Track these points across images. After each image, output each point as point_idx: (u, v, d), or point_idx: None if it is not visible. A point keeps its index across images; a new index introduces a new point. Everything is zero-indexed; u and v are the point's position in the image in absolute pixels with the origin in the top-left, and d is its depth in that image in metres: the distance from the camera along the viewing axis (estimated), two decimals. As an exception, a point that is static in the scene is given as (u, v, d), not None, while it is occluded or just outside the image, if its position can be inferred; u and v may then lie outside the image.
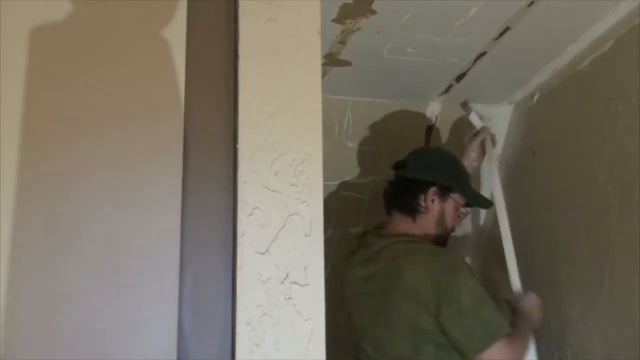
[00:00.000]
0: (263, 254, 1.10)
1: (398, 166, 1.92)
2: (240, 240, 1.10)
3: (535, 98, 2.22)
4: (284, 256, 1.11)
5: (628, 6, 1.72)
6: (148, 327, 1.08)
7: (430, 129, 2.40)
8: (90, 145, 1.12)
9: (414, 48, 1.92)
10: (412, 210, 1.84)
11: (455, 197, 1.88)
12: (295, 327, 1.08)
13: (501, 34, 1.85)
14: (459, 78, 2.15)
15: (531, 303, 1.87)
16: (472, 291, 1.67)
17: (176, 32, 1.19)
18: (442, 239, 1.88)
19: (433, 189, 1.84)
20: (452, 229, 1.93)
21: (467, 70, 2.09)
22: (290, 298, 1.10)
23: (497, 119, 2.41)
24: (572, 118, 2.02)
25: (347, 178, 2.40)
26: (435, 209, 1.85)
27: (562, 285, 2.00)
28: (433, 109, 2.36)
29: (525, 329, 1.79)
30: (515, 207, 2.30)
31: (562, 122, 2.07)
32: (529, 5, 1.70)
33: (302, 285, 1.11)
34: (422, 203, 1.84)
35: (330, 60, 1.98)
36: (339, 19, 1.75)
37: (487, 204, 2.06)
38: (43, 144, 1.10)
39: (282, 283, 1.10)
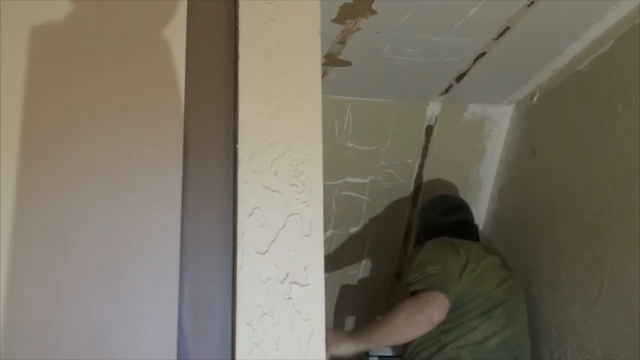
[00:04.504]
0: (263, 254, 1.10)
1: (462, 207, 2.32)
2: (240, 240, 1.10)
3: (535, 98, 2.22)
4: (284, 256, 1.11)
5: (628, 6, 1.72)
6: (148, 327, 1.08)
7: (430, 129, 2.40)
8: (90, 145, 1.12)
9: (414, 48, 1.92)
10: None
11: None
12: (295, 327, 1.08)
13: (501, 34, 1.85)
14: (459, 78, 2.15)
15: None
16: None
17: (176, 32, 1.19)
18: None
19: None
20: None
21: (467, 70, 2.09)
22: (290, 298, 1.10)
23: (497, 119, 2.41)
24: (572, 118, 2.02)
25: (347, 178, 2.40)
26: None
27: (562, 285, 2.00)
28: (433, 109, 2.36)
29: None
30: (515, 207, 2.31)
31: (562, 122, 2.07)
32: (529, 5, 1.70)
33: (302, 285, 1.11)
34: None
35: (330, 60, 1.99)
36: (339, 19, 1.75)
37: None
38: (43, 144, 1.10)
39: (282, 283, 1.10)
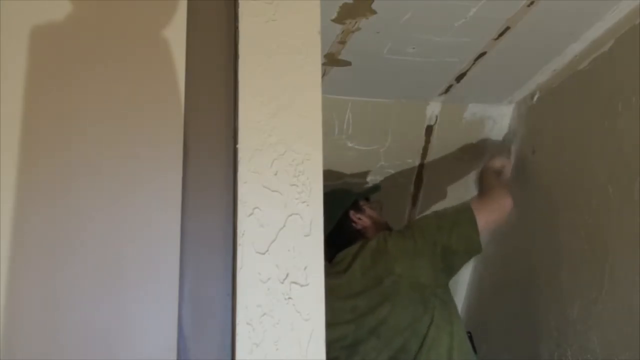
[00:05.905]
0: (263, 254, 1.10)
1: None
2: (240, 240, 1.10)
3: (535, 98, 2.22)
4: (284, 256, 1.11)
5: (628, 6, 1.72)
6: (148, 327, 1.08)
7: (430, 129, 2.40)
8: (90, 145, 1.12)
9: (414, 48, 1.92)
10: (354, 239, 2.01)
11: (362, 203, 2.12)
12: (295, 327, 1.09)
13: (501, 34, 1.85)
14: (459, 78, 2.15)
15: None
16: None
17: (176, 32, 1.19)
18: (385, 228, 2.08)
19: (351, 213, 2.06)
20: (383, 220, 2.13)
21: (467, 70, 2.09)
22: (290, 298, 1.10)
23: (497, 118, 2.41)
24: (572, 118, 2.02)
25: (347, 178, 2.40)
26: (365, 220, 2.07)
27: (562, 285, 2.00)
28: (433, 109, 2.36)
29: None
30: (515, 207, 2.30)
31: (562, 122, 2.07)
32: (529, 5, 1.70)
33: (302, 285, 1.11)
34: (354, 227, 2.06)
35: (330, 60, 1.98)
36: (339, 19, 1.75)
37: (376, 187, 2.30)
38: (43, 144, 1.10)
39: (282, 283, 1.10)
